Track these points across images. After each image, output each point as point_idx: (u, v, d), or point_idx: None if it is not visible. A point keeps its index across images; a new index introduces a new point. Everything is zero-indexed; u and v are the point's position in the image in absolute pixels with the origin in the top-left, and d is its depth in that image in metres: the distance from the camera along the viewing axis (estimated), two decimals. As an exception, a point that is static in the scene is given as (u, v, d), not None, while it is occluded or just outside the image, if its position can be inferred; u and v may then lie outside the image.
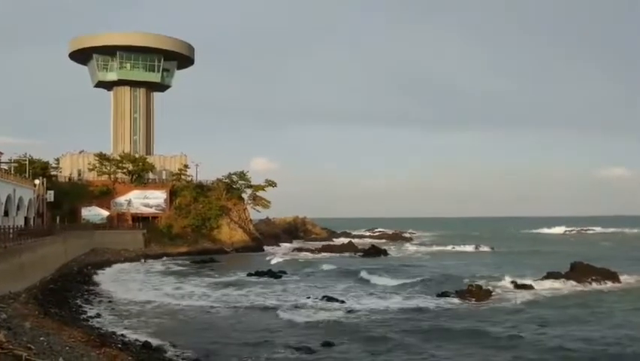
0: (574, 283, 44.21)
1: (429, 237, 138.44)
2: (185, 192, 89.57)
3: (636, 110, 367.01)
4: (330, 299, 37.21)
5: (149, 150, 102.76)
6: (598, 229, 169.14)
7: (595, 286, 43.71)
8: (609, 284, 44.33)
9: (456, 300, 37.42)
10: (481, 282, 43.40)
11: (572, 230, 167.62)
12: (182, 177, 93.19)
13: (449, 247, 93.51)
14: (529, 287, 42.14)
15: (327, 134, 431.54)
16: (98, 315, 32.28)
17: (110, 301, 38.13)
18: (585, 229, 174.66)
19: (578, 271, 47.12)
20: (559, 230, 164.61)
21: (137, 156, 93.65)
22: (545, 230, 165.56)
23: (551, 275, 46.37)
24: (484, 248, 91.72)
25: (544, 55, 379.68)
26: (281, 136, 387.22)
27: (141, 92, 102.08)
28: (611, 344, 24.87)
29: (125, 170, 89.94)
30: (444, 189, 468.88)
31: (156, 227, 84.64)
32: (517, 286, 42.46)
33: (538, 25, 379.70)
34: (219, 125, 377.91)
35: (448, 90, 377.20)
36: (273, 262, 69.68)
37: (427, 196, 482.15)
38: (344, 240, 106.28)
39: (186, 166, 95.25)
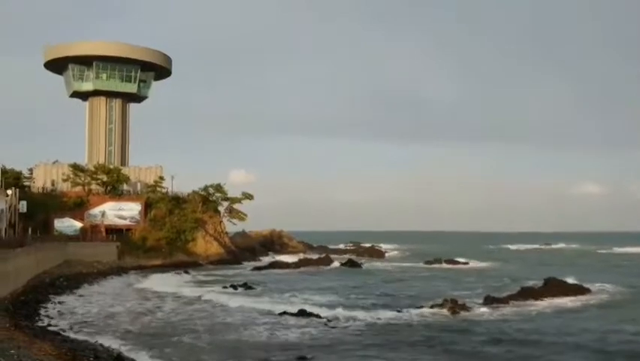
0: (548, 298, 44.68)
1: (403, 250, 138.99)
2: (160, 204, 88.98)
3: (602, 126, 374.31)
4: (305, 313, 37.18)
5: (124, 161, 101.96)
6: (562, 245, 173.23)
7: (565, 300, 44.33)
8: (582, 298, 45.11)
9: (431, 312, 37.67)
10: (457, 296, 43.65)
11: (544, 245, 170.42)
12: (158, 188, 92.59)
13: (424, 262, 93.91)
14: (503, 302, 42.45)
15: (304, 147, 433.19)
16: (70, 327, 31.82)
17: (82, 314, 37.59)
18: (548, 244, 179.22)
19: (551, 286, 47.75)
20: (530, 246, 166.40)
21: (111, 167, 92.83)
22: (514, 246, 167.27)
23: (526, 291, 46.75)
24: (462, 263, 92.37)
25: (514, 72, 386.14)
26: (259, 149, 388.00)
27: (117, 102, 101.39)
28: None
29: (99, 181, 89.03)
30: (417, 203, 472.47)
31: (130, 239, 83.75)
32: (492, 301, 42.70)
33: (508, 41, 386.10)
34: (196, 137, 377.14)
35: (423, 105, 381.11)
36: (250, 274, 69.42)
37: (402, 210, 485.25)
38: (320, 253, 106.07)
39: (162, 178, 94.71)
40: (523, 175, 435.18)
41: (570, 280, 52.06)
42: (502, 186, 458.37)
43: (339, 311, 37.88)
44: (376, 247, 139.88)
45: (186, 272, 71.18)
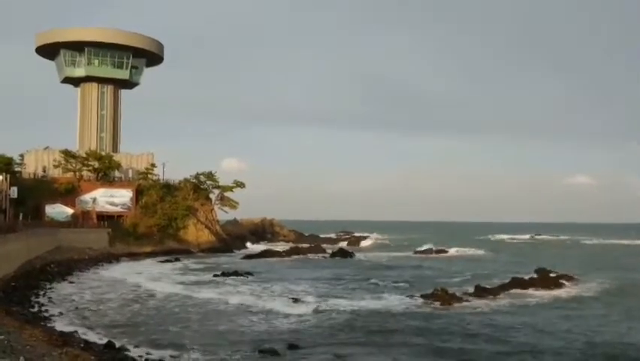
0: (538, 289, 45.07)
1: (394, 240, 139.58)
2: (151, 191, 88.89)
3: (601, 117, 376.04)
4: (297, 300, 37.69)
5: (115, 147, 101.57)
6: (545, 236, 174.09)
7: (557, 291, 44.68)
8: (572, 289, 45.56)
9: (420, 303, 37.92)
10: (447, 286, 43.95)
11: (537, 235, 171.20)
12: (149, 175, 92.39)
13: (417, 251, 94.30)
14: (494, 292, 42.74)
15: (296, 136, 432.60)
16: (61, 314, 31.92)
17: (73, 300, 37.69)
18: (540, 234, 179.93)
19: (542, 277, 48.17)
20: (522, 236, 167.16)
21: (103, 153, 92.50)
22: (506, 236, 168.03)
23: (516, 281, 47.11)
24: (453, 252, 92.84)
25: (506, 63, 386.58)
26: (252, 137, 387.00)
27: (109, 88, 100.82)
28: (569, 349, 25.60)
29: (90, 167, 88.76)
30: (410, 193, 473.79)
31: (121, 226, 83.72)
32: (482, 292, 42.98)
33: (506, 33, 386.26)
34: (188, 125, 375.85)
35: (420, 95, 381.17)
36: (240, 262, 69.79)
37: (396, 199, 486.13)
38: (312, 242, 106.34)
39: (153, 165, 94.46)
40: (517, 166, 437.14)
41: (561, 271, 52.59)
42: (495, 177, 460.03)
43: (328, 300, 38.12)
44: (367, 237, 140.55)
45: (177, 260, 71.45)
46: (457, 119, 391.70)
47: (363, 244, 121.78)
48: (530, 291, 44.35)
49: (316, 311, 34.26)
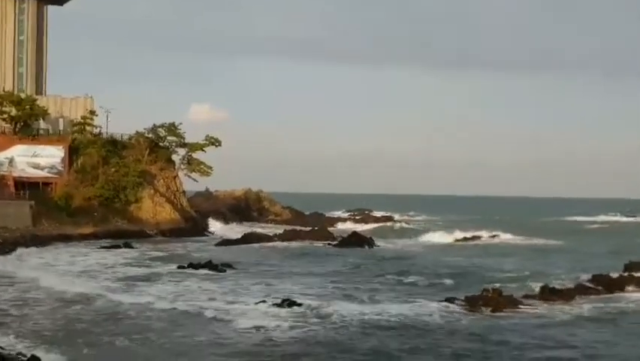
0: (632, 290, 45.04)
1: (430, 222, 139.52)
2: (91, 149, 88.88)
3: None
4: (291, 303, 37.82)
5: (39, 88, 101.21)
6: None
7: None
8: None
9: (463, 309, 38.03)
10: (500, 286, 44.00)
11: (630, 216, 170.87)
12: (88, 128, 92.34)
13: (458, 237, 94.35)
14: (568, 296, 42.77)
15: (293, 75, 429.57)
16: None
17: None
18: (633, 214, 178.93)
19: (636, 275, 47.99)
20: (607, 218, 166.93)
21: (22, 96, 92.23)
22: (581, 217, 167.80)
23: (599, 280, 47.13)
24: (506, 239, 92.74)
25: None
26: (231, 75, 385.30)
27: (30, 4, 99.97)
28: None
29: (5, 115, 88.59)
30: (443, 157, 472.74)
31: (49, 198, 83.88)
32: (551, 293, 43.04)
33: None
34: (142, 58, 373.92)
35: (458, 20, 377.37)
36: (216, 250, 70.28)
37: (424, 166, 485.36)
38: (315, 224, 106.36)
39: (93, 113, 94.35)
40: (608, 121, 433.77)
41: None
42: (565, 137, 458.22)
43: (336, 304, 38.27)
44: (390, 217, 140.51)
45: (128, 245, 71.31)
46: (515, 48, 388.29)
47: (385, 226, 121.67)
48: (619, 294, 44.26)
49: (319, 316, 34.60)
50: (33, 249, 67.40)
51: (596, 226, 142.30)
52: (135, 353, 27.93)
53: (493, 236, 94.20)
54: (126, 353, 27.79)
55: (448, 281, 49.67)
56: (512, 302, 39.40)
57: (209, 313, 35.71)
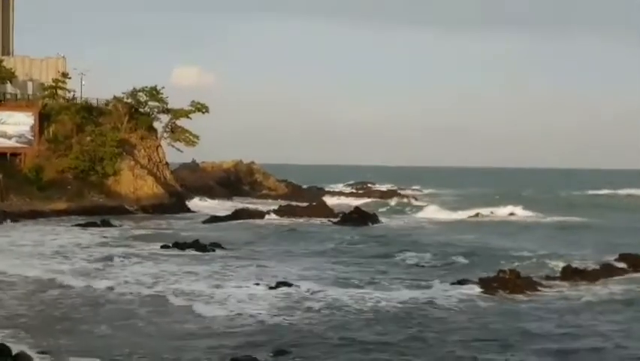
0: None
1: (444, 197, 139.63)
2: (63, 116, 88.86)
3: None
4: (286, 286, 38.21)
5: (5, 48, 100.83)
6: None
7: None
8: None
9: (478, 292, 38.08)
10: (518, 266, 44.00)
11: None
12: (60, 92, 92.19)
13: (472, 213, 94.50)
14: (593, 276, 42.84)
15: (290, 34, 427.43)
16: None
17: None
18: None
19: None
20: (629, 191, 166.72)
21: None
22: (608, 191, 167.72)
23: (627, 259, 47.12)
24: (526, 216, 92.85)
25: None
26: (220, 33, 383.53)
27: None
28: None
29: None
30: (459, 124, 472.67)
31: (18, 170, 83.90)
32: (574, 274, 43.08)
33: None
34: (120, 14, 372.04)
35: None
36: (203, 228, 70.85)
37: (435, 135, 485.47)
38: (313, 199, 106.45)
39: (66, 75, 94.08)
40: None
41: None
42: (602, 101, 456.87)
43: (336, 288, 38.49)
44: (396, 191, 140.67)
45: (106, 223, 71.21)
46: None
47: (391, 202, 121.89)
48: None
49: (317, 301, 34.75)
50: (4, 223, 67.63)
51: (622, 200, 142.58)
52: (117, 340, 27.92)
53: (511, 214, 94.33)
54: (107, 342, 27.73)
55: (460, 262, 49.74)
56: (531, 284, 39.48)
57: (194, 298, 35.74)
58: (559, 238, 66.27)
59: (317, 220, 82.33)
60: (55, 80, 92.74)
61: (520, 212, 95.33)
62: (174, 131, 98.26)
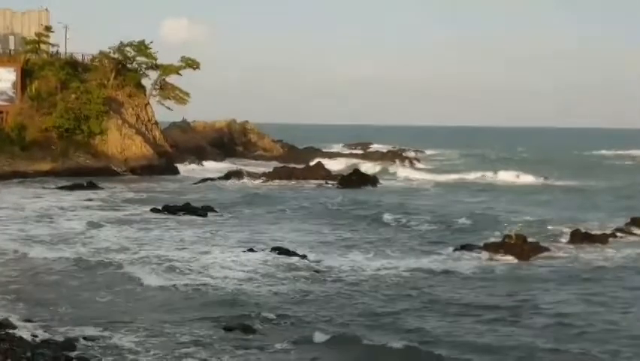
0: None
1: (445, 157, 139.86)
2: (47, 71, 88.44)
3: None
4: (283, 252, 38.07)
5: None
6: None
7: None
8: None
9: (483, 257, 38.20)
10: (524, 230, 43.69)
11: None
12: (43, 47, 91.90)
13: (477, 175, 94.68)
14: (602, 240, 42.73)
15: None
16: None
17: None
18: None
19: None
20: (637, 152, 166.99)
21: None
22: (615, 152, 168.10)
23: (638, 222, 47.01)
24: (531, 178, 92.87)
25: None
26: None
27: None
28: None
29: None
30: (464, 80, 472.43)
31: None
32: (583, 239, 42.97)
33: None
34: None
35: None
36: (194, 189, 71.25)
37: (439, 93, 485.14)
38: (309, 160, 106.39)
39: (49, 29, 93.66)
40: None
41: None
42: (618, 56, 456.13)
43: (334, 256, 38.46)
44: (396, 152, 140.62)
45: (93, 185, 70.93)
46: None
47: (391, 165, 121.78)
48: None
49: (316, 270, 34.71)
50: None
51: (629, 162, 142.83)
52: (117, 307, 28.14)
53: (517, 175, 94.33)
54: (109, 308, 27.85)
55: (463, 226, 49.52)
56: (539, 249, 39.39)
57: (187, 264, 35.60)
58: (565, 202, 66.28)
59: (314, 182, 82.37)
60: (38, 34, 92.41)
61: (524, 176, 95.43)
62: (164, 89, 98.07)
